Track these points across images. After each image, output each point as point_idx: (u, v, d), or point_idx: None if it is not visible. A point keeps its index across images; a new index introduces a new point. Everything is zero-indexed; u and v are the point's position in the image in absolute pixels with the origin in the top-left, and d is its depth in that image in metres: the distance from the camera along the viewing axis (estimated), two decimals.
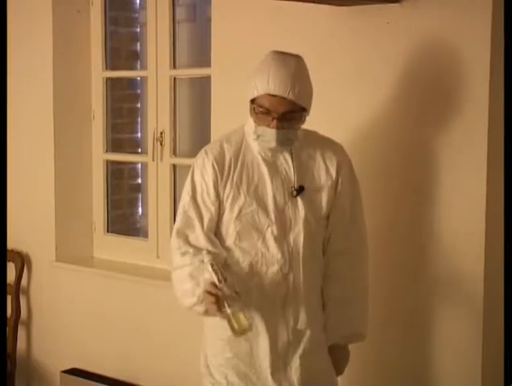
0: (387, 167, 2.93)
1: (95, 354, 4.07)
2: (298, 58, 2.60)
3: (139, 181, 4.56)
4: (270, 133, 2.55)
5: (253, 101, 2.59)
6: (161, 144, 3.97)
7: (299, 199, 2.63)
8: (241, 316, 2.43)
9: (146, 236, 4.15)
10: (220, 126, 3.47)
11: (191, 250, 2.61)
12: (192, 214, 2.63)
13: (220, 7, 3.49)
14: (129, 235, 4.33)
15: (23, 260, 4.28)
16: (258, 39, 3.31)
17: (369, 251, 2.76)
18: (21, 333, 4.32)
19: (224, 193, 2.62)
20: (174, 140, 3.98)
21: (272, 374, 2.64)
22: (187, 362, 3.66)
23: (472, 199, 2.82)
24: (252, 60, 3.27)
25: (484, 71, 2.75)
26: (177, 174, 4.01)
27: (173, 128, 3.98)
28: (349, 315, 2.71)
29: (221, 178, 2.62)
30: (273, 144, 2.57)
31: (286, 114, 2.54)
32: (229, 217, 2.63)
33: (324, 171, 2.67)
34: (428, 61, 2.91)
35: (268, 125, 2.55)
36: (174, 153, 3.98)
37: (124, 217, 4.52)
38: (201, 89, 4.04)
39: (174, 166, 3.99)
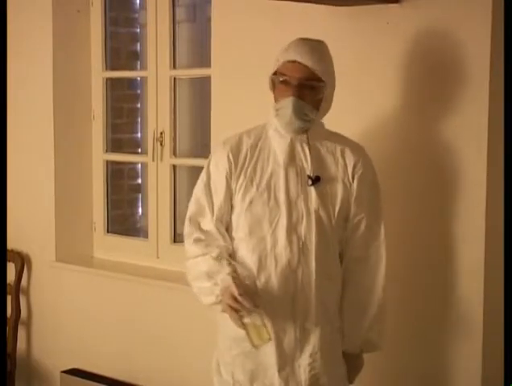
0: (387, 167, 2.93)
1: (95, 354, 4.07)
2: (321, 41, 2.66)
3: (139, 181, 4.56)
4: (286, 102, 2.56)
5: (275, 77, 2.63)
6: (161, 144, 3.97)
7: (312, 192, 2.60)
8: (262, 329, 2.45)
9: (146, 236, 4.15)
10: (220, 126, 3.47)
11: (203, 237, 2.64)
12: (204, 202, 2.67)
13: (220, 7, 3.49)
14: (129, 235, 4.33)
15: (23, 260, 4.28)
16: (258, 39, 3.31)
17: (386, 259, 2.68)
18: (21, 333, 4.32)
19: (237, 184, 2.63)
20: (174, 140, 3.98)
21: (279, 371, 2.62)
22: (188, 362, 3.66)
23: (473, 201, 2.83)
24: (252, 60, 3.31)
25: (484, 71, 2.75)
26: (177, 175, 4.01)
27: (173, 128, 3.97)
28: (363, 323, 2.68)
29: (235, 169, 2.63)
30: (289, 111, 2.55)
31: (303, 83, 2.56)
32: (240, 208, 2.63)
33: (341, 167, 2.64)
34: (428, 61, 2.91)
35: (287, 97, 2.57)
36: (174, 153, 3.98)
37: (124, 217, 4.52)
38: (201, 89, 4.04)
39: (174, 167, 3.99)
